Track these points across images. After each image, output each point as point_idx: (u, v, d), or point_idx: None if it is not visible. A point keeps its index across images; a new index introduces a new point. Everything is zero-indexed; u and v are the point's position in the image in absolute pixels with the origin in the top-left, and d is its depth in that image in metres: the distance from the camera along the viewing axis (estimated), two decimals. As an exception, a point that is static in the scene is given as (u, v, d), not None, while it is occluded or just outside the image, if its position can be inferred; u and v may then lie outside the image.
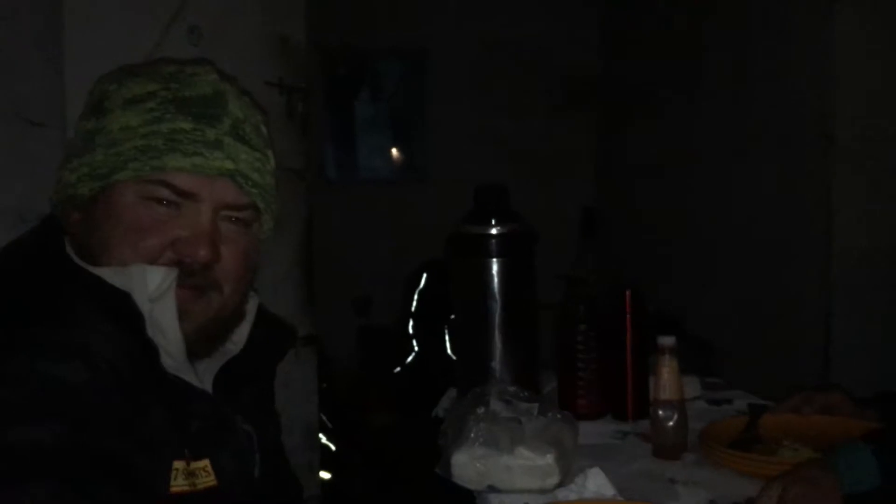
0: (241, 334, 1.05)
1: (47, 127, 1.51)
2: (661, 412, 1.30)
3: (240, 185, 0.96)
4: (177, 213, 0.94)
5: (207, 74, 0.98)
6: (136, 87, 0.96)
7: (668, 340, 1.32)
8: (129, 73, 0.98)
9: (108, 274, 0.92)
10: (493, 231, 1.55)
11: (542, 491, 1.14)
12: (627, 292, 1.52)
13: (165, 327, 0.93)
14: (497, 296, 1.55)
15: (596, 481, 1.07)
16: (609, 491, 1.07)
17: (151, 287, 0.92)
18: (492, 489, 1.16)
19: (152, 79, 0.96)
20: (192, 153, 0.93)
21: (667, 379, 1.30)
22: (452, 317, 1.79)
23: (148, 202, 0.93)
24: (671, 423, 1.29)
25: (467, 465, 1.18)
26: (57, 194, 0.98)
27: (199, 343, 0.99)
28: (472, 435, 1.20)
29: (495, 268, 1.55)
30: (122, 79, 0.98)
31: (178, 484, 0.92)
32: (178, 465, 0.92)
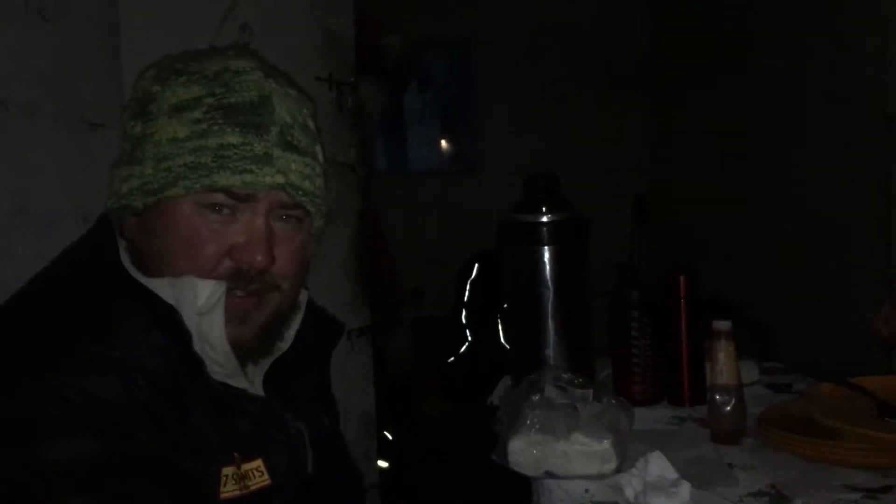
0: (290, 330, 1.05)
1: (107, 128, 1.55)
2: (718, 397, 1.29)
3: (291, 196, 0.97)
4: (232, 219, 0.95)
5: (252, 73, 0.96)
6: (180, 91, 0.95)
7: (724, 325, 1.31)
8: (173, 72, 0.97)
9: (158, 286, 0.93)
10: (545, 219, 1.55)
11: (600, 476, 1.14)
12: (682, 277, 1.51)
13: (213, 340, 0.94)
14: (550, 284, 1.55)
15: (658, 465, 1.07)
16: (671, 474, 1.06)
17: (201, 300, 0.92)
18: (549, 475, 1.17)
19: (196, 80, 0.95)
20: (242, 170, 0.92)
21: (724, 363, 1.29)
22: (504, 306, 1.79)
23: (203, 210, 0.94)
24: (729, 408, 1.28)
25: (524, 451, 1.18)
26: (111, 202, 0.99)
27: (259, 343, 1.00)
28: (529, 421, 1.20)
29: (547, 255, 1.55)
30: (165, 79, 0.97)
31: (229, 490, 0.93)
32: (228, 470, 0.93)
